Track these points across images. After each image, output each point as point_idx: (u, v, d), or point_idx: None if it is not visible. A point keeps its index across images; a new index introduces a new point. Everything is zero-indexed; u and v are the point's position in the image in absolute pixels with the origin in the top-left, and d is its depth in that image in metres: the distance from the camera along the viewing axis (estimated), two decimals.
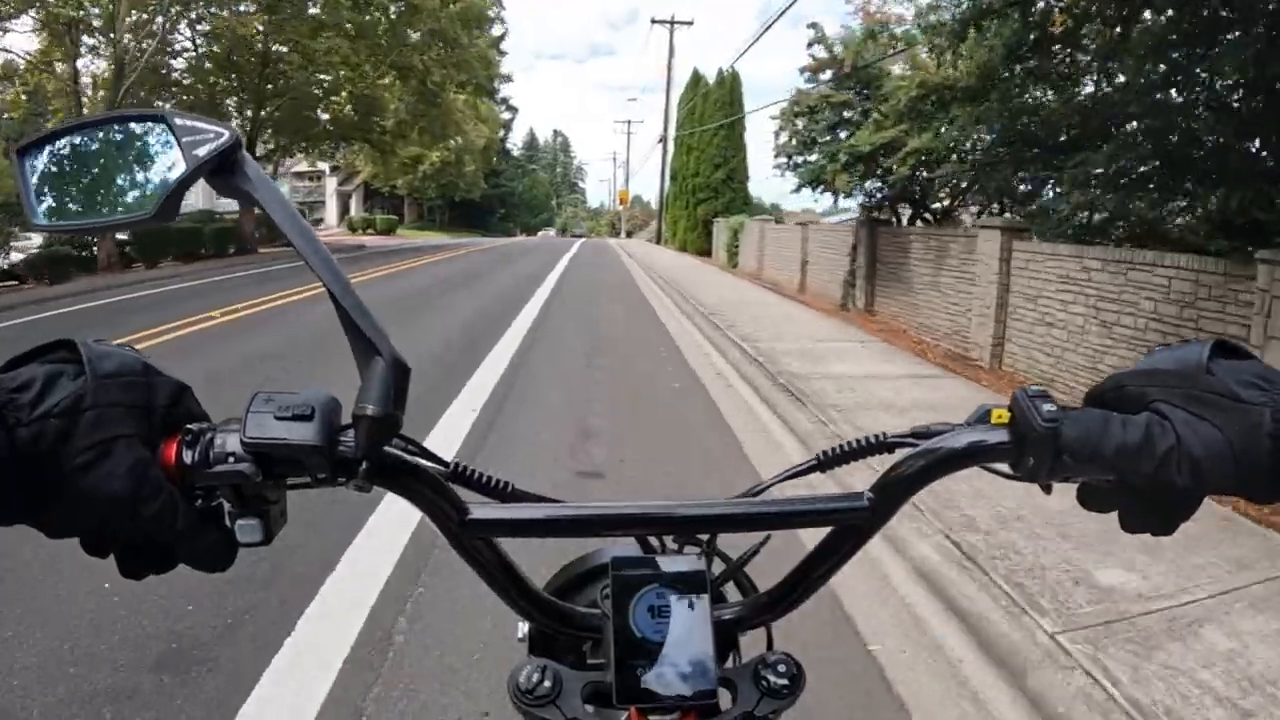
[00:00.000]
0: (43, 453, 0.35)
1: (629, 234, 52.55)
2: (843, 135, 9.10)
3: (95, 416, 0.36)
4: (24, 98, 17.12)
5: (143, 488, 0.37)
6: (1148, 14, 5.04)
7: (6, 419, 0.35)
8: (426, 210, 55.62)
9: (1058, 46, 6.05)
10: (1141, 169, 5.17)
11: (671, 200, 29.13)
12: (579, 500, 0.49)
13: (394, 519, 2.79)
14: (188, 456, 0.39)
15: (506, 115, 67.07)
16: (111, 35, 15.02)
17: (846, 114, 9.03)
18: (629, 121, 60.91)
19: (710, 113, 22.82)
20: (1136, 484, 0.40)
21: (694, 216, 23.84)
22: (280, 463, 0.39)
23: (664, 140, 33.12)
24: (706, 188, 23.14)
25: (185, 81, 19.70)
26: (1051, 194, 6.88)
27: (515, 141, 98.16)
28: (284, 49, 19.91)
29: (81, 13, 14.73)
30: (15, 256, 12.42)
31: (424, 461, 0.45)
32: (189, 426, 0.40)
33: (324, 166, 46.19)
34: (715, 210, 22.55)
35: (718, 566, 0.54)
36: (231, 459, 0.39)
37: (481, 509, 0.47)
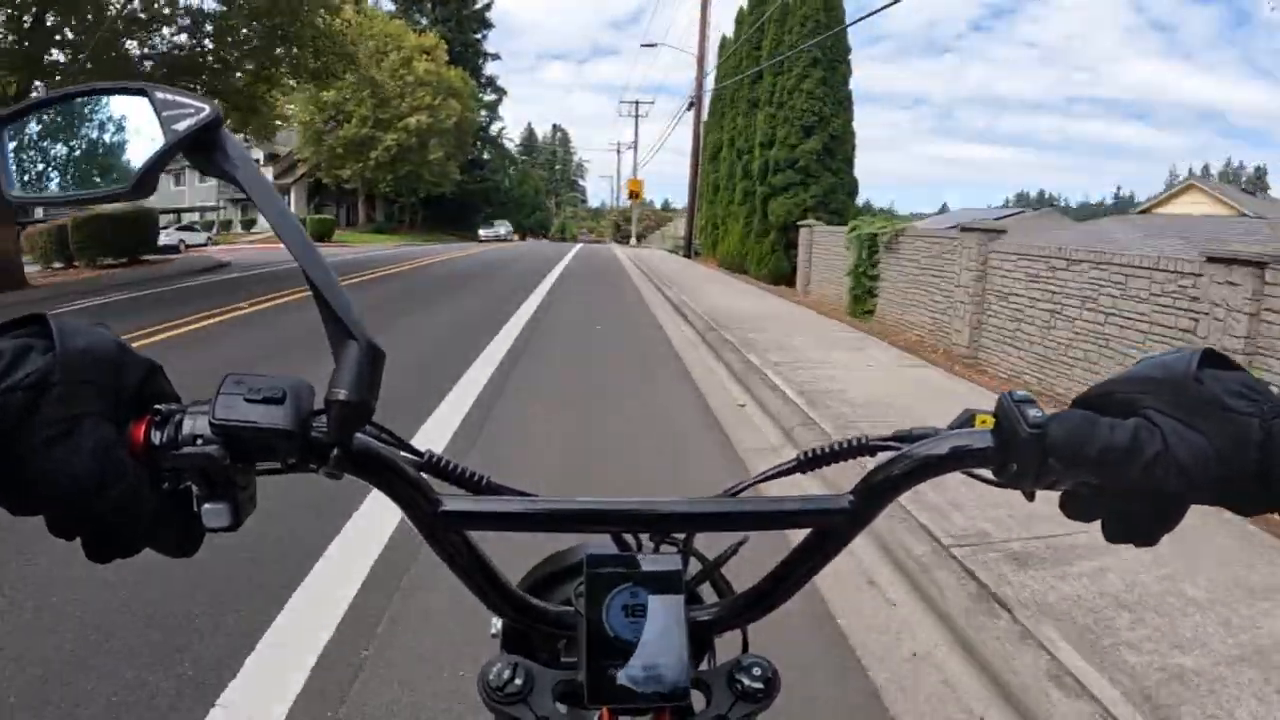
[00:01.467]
0: (6, 427, 0.34)
1: (640, 238, 41.16)
2: None
3: (62, 393, 0.35)
4: None
5: (107, 467, 0.36)
6: None
7: None
8: (395, 209, 45.91)
9: None
10: None
11: (710, 191, 18.98)
12: (556, 495, 0.48)
13: None
14: (156, 437, 0.38)
15: (490, 96, 57.22)
16: None
17: None
18: (637, 102, 51.15)
19: (794, 40, 13.47)
20: (1122, 489, 0.40)
21: (760, 216, 14.39)
22: (250, 446, 0.38)
23: (697, 100, 22.19)
24: (790, 167, 13.49)
25: None
26: None
27: (513, 137, 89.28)
28: None
29: None
30: None
31: (398, 450, 0.45)
32: (158, 407, 0.39)
33: (259, 154, 37.08)
34: (803, 206, 13.24)
35: (695, 567, 0.53)
36: (200, 441, 0.38)
37: (455, 501, 0.46)
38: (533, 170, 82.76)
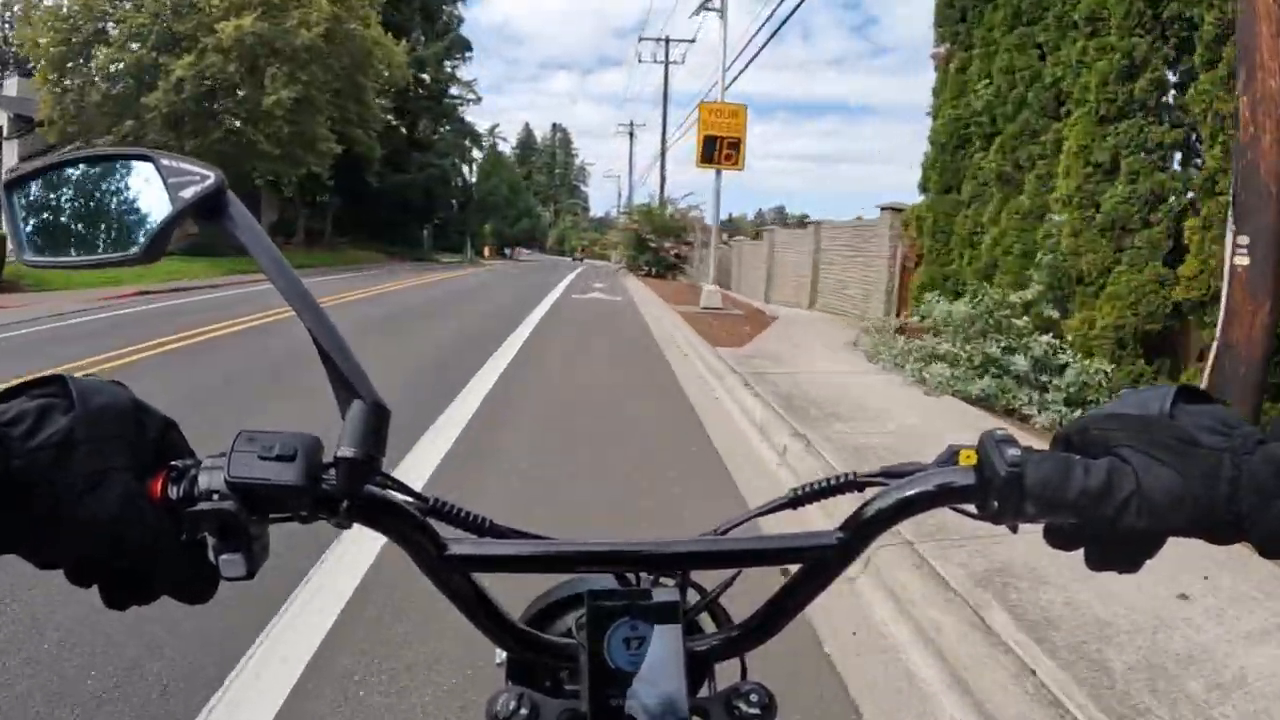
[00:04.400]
0: (34, 484, 0.36)
1: (672, 269, 22.31)
2: None
3: (87, 450, 0.37)
4: None
5: (131, 519, 0.38)
6: None
7: None
8: (306, 213, 27.89)
9: None
10: None
11: None
12: (556, 536, 0.50)
13: None
14: (173, 492, 0.40)
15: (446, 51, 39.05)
16: None
17: None
18: (667, 39, 32.68)
19: None
20: (1098, 527, 0.41)
21: None
22: (264, 501, 0.40)
23: None
24: None
25: None
26: None
27: (507, 136, 72.32)
28: None
29: None
30: None
31: (403, 498, 0.46)
32: (174, 463, 0.41)
33: (2, 119, 19.88)
34: None
35: (693, 598, 0.55)
36: (216, 496, 0.39)
37: (459, 545, 0.48)
38: (504, 159, 63.68)
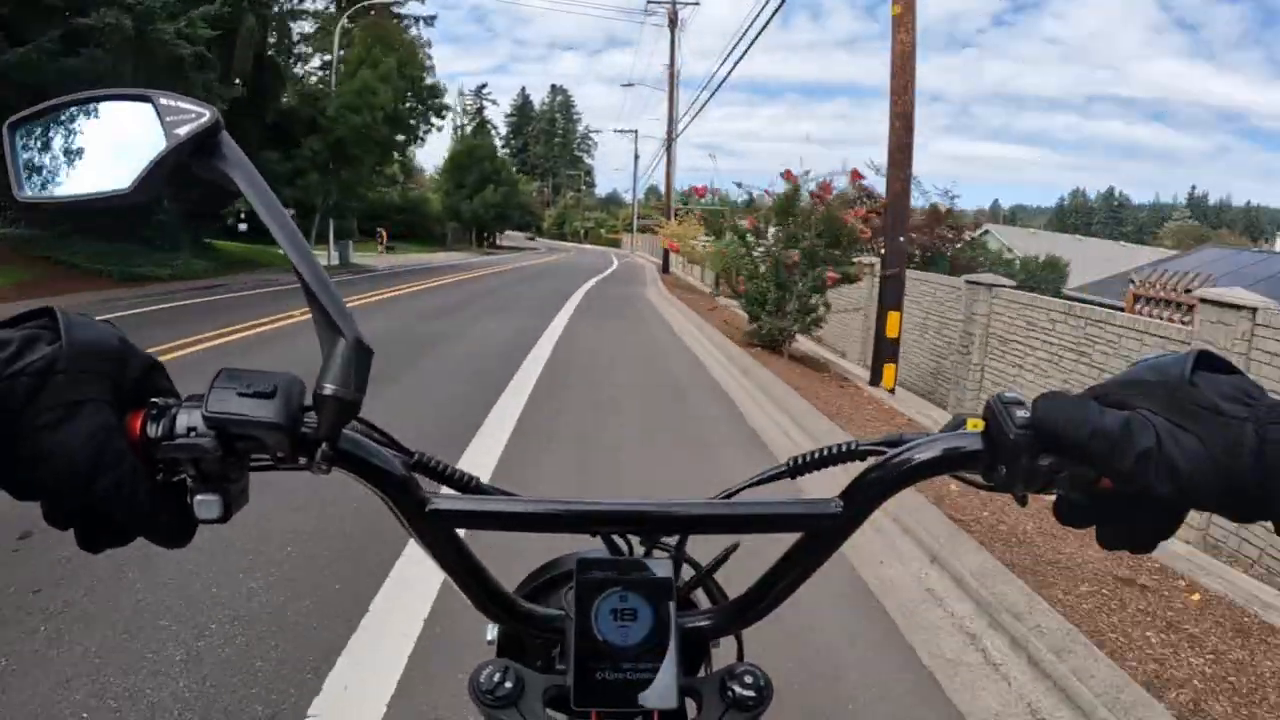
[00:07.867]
0: (10, 410, 0.36)
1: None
2: None
3: (66, 379, 0.37)
4: None
5: (104, 453, 0.37)
6: None
7: None
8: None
9: None
10: None
11: None
12: (543, 496, 0.49)
13: None
14: (152, 430, 0.40)
15: None
16: None
17: None
18: None
19: None
20: (1114, 485, 0.39)
21: None
22: (241, 440, 0.40)
23: None
24: None
25: None
26: None
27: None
28: None
29: None
30: None
31: (386, 448, 0.46)
32: (154, 400, 0.41)
33: None
34: None
35: (689, 573, 0.54)
36: (193, 433, 0.39)
37: (442, 500, 0.47)
38: (413, 40, 26.90)
